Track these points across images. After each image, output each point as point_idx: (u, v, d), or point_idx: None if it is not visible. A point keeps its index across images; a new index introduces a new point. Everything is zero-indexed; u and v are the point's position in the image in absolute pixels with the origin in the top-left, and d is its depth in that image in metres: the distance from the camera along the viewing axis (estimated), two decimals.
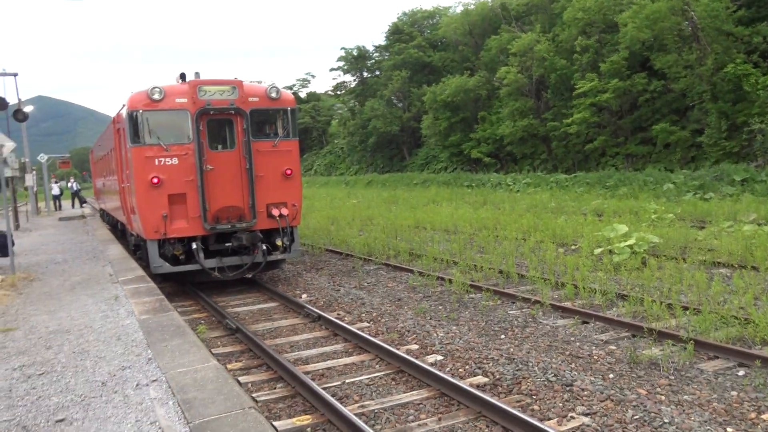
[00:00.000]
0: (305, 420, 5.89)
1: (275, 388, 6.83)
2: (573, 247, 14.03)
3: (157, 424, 4.21)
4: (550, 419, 5.65)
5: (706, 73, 25.01)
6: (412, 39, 49.05)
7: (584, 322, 8.61)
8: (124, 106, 11.95)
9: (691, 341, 7.14)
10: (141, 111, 11.05)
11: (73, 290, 9.72)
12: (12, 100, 13.87)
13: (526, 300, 9.77)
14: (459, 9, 46.58)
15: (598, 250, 12.64)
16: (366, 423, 5.72)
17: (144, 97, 11.14)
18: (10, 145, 11.81)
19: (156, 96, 11.07)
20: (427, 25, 52.18)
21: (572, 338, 7.95)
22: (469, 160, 40.04)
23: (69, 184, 46.22)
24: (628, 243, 12.23)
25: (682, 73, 26.10)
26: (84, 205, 42.34)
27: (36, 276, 11.36)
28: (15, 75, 10.87)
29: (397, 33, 51.12)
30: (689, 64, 25.78)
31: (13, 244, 13.17)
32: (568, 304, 9.37)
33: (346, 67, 57.25)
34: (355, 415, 5.81)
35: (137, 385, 5.04)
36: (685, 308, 8.54)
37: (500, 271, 11.75)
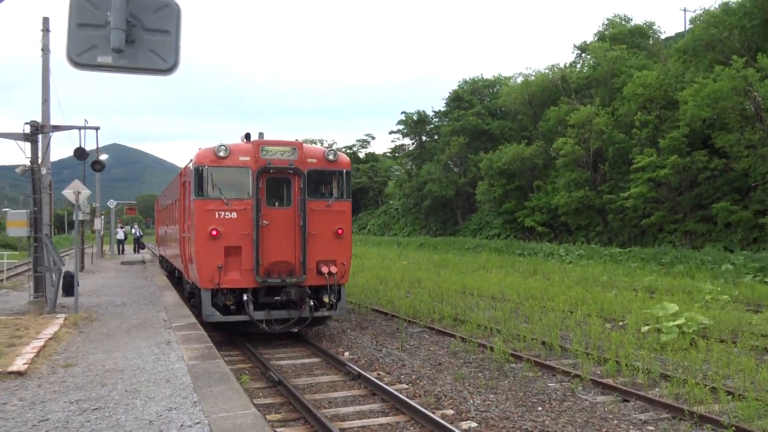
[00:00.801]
0: None
1: None
2: (620, 323, 13.83)
3: None
4: None
5: None
6: (471, 106, 50.04)
7: (624, 401, 8.50)
8: (191, 160, 12.77)
9: (733, 427, 7.00)
10: (207, 166, 11.79)
11: (129, 332, 10.25)
12: (86, 148, 14.98)
13: (566, 373, 9.71)
14: (519, 79, 47.44)
15: (645, 328, 12.44)
16: None
17: (211, 153, 11.90)
18: (85, 192, 12.75)
19: (222, 153, 11.80)
20: (487, 93, 53.21)
21: (610, 416, 7.87)
22: (523, 228, 39.93)
23: (133, 230, 48.23)
24: (677, 322, 12.01)
25: (744, 153, 25.72)
26: (142, 250, 43.97)
27: (96, 316, 12.02)
28: (97, 128, 11.84)
29: (457, 100, 52.29)
30: (752, 144, 25.43)
31: (77, 284, 13.98)
32: (609, 381, 9.27)
33: (405, 131, 58.64)
34: None
35: (181, 425, 5.38)
36: (730, 393, 8.34)
37: (543, 343, 11.70)
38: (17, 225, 11.96)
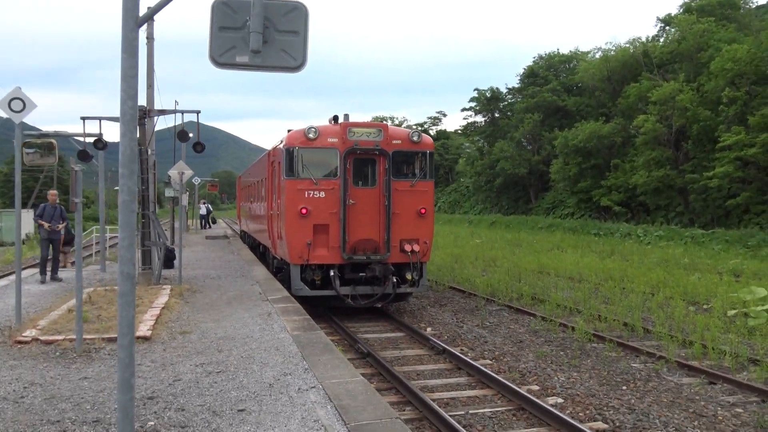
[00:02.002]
0: None
1: (404, 411, 7.49)
2: (705, 306, 13.65)
3: (320, 422, 5.04)
4: None
5: None
6: (546, 82, 49.07)
7: (711, 383, 8.56)
8: (282, 141, 13.39)
9: None
10: (297, 147, 12.37)
11: (230, 304, 11.03)
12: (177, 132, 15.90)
13: (650, 354, 9.80)
14: (598, 54, 46.10)
15: (731, 312, 12.27)
16: None
17: (301, 135, 12.47)
18: (189, 172, 13.63)
19: (311, 135, 12.35)
20: (563, 69, 51.97)
21: (697, 397, 7.97)
22: (598, 208, 39.15)
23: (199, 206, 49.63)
24: (766, 307, 11.80)
25: None
26: (214, 224, 45.16)
27: (197, 288, 12.92)
28: (198, 112, 12.59)
29: (532, 76, 51.36)
30: None
31: (174, 258, 14.99)
32: (695, 363, 9.30)
33: (477, 108, 58.07)
34: None
35: (299, 389, 5.94)
36: None
37: (625, 324, 11.75)
38: None
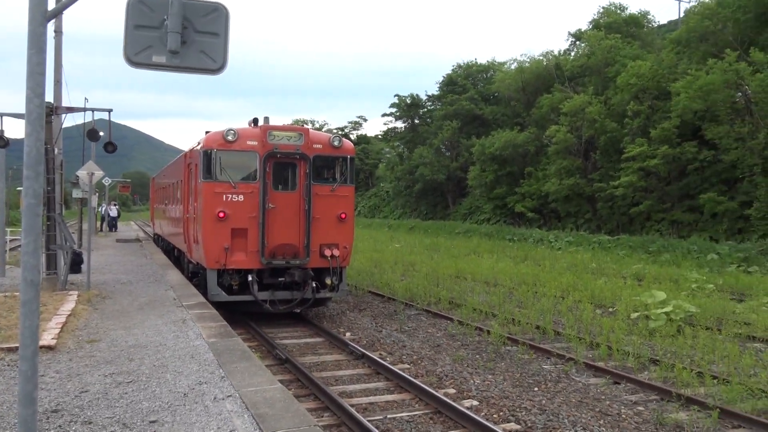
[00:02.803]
0: None
1: (322, 417, 7.46)
2: (610, 309, 14.38)
3: (236, 431, 4.94)
4: None
5: (757, 147, 25.17)
6: (465, 91, 50.27)
7: (615, 383, 9.02)
8: (199, 143, 13.04)
9: (717, 409, 7.52)
10: (215, 150, 12.09)
11: (142, 310, 10.62)
12: (86, 132, 15.19)
13: (560, 356, 10.22)
14: (514, 65, 47.70)
15: (634, 315, 12.99)
16: None
17: (219, 137, 12.20)
18: (99, 173, 13.02)
19: (230, 137, 12.11)
20: (481, 78, 53.43)
21: (603, 396, 8.38)
22: (513, 214, 40.48)
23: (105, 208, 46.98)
24: (665, 310, 12.56)
25: (734, 145, 26.28)
26: (114, 229, 42.72)
27: (107, 294, 12.35)
28: (110, 111, 12.06)
29: (450, 84, 52.49)
30: (741, 136, 25.98)
31: (82, 262, 14.29)
32: (601, 364, 9.79)
33: (398, 114, 58.75)
34: None
35: (215, 398, 5.79)
36: (715, 377, 8.88)
37: (537, 327, 12.20)
38: None
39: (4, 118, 12.04)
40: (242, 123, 13.06)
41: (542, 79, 42.01)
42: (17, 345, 7.35)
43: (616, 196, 31.41)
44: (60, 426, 5.09)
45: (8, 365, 6.96)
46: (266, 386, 6.10)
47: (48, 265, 12.96)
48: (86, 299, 11.41)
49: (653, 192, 30.34)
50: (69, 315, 9.57)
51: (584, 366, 9.74)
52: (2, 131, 12.74)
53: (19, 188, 21.29)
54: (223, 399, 5.74)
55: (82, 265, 14.06)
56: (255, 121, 12.79)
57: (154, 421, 5.19)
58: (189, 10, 4.57)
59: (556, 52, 44.49)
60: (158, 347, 7.83)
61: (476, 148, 41.87)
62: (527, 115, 42.32)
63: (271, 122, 12.87)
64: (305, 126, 79.73)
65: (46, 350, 7.34)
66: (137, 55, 4.53)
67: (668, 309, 12.56)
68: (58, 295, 11.68)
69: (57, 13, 4.30)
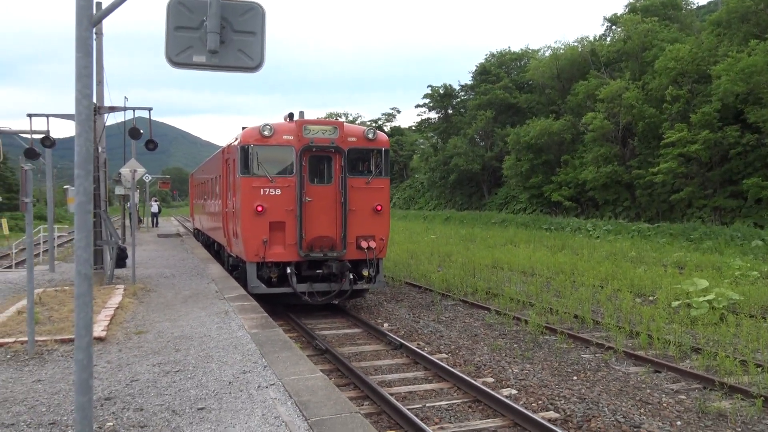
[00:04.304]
0: None
1: (362, 405, 7.59)
2: (650, 298, 14.19)
3: (280, 418, 5.09)
4: None
5: None
6: (498, 80, 49.83)
7: (656, 371, 8.94)
8: (236, 139, 13.29)
9: (761, 397, 7.41)
10: (252, 145, 12.30)
11: (185, 302, 10.92)
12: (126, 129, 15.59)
13: (599, 345, 10.16)
14: (548, 53, 47.07)
15: (675, 303, 12.80)
16: None
17: (256, 132, 12.40)
18: (141, 170, 13.38)
19: (266, 132, 12.30)
20: (515, 66, 52.90)
21: (643, 385, 8.32)
22: (549, 203, 40.07)
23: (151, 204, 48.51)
24: (707, 298, 12.35)
25: None
26: (156, 225, 43.97)
27: (151, 287, 12.72)
28: (150, 109, 12.38)
29: (484, 73, 52.07)
30: None
31: (127, 257, 14.71)
32: (641, 353, 9.70)
33: (431, 104, 58.59)
34: None
35: (258, 386, 5.97)
36: (759, 366, 8.72)
37: (575, 316, 12.13)
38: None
39: (49, 119, 12.46)
40: (278, 118, 13.25)
41: (577, 65, 41.40)
42: (70, 337, 7.68)
43: (656, 183, 30.83)
44: (113, 413, 5.33)
45: (62, 356, 7.27)
46: (308, 375, 6.26)
47: (95, 260, 13.40)
48: (132, 293, 11.78)
49: (694, 178, 29.68)
50: (117, 308, 9.92)
51: (624, 355, 9.67)
52: (48, 132, 13.17)
53: (65, 186, 21.95)
54: (267, 387, 5.92)
55: (127, 260, 14.48)
56: (290, 115, 12.96)
57: (201, 408, 5.39)
58: (227, 10, 4.70)
59: (591, 38, 43.80)
60: (203, 338, 8.08)
61: (511, 137, 41.53)
62: (562, 102, 41.77)
63: (306, 116, 13.02)
64: (338, 119, 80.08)
65: (96, 342, 7.64)
66: (178, 55, 4.68)
67: (710, 297, 12.35)
68: (106, 288, 12.08)
69: (102, 17, 4.47)
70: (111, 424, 5.04)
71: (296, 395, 5.63)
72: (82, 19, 4.22)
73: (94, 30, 13.57)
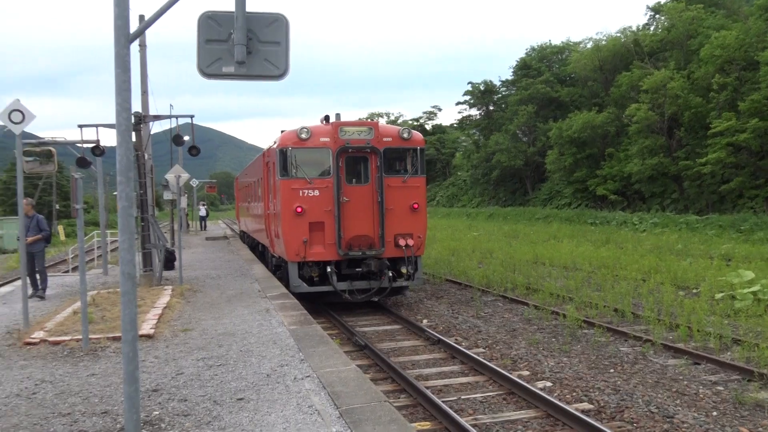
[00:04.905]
0: (425, 426, 6.82)
1: (399, 398, 7.81)
2: (694, 290, 13.97)
3: (314, 407, 5.37)
4: None
5: None
6: (539, 74, 49.33)
7: (695, 363, 8.87)
8: (275, 142, 13.68)
9: None
10: (290, 148, 12.66)
11: (230, 302, 11.35)
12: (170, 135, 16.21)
13: (638, 338, 10.12)
14: (589, 44, 46.36)
15: (719, 295, 12.59)
16: None
17: (293, 136, 12.76)
18: (185, 176, 13.92)
19: (303, 135, 12.64)
20: (556, 60, 52.24)
21: (681, 377, 8.29)
22: (594, 197, 39.48)
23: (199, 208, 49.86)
24: (752, 289, 12.12)
25: None
26: (203, 228, 45.44)
27: (198, 288, 13.23)
28: (192, 116, 12.89)
29: (524, 68, 51.62)
30: None
31: (175, 259, 15.31)
32: (680, 345, 9.62)
33: (472, 101, 58.37)
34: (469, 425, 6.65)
35: (294, 378, 6.28)
36: None
37: (615, 310, 12.07)
38: None
39: (99, 129, 13.09)
40: (318, 119, 13.60)
41: (620, 56, 40.65)
42: (120, 334, 8.14)
43: (704, 174, 30.09)
44: (160, 403, 5.70)
45: (113, 352, 7.73)
46: (341, 367, 6.52)
47: (144, 263, 14.01)
48: (179, 293, 12.30)
49: (744, 168, 28.84)
50: (165, 307, 10.41)
51: (662, 347, 9.61)
52: (98, 141, 13.82)
53: (115, 193, 22.91)
54: (302, 379, 6.21)
55: (175, 262, 15.06)
56: (326, 118, 13.27)
57: (241, 399, 5.72)
58: (252, 22, 4.98)
59: (634, 28, 42.91)
60: (244, 334, 8.45)
61: (553, 131, 41.09)
62: (605, 95, 41.10)
63: (347, 117, 13.33)
64: (379, 119, 79.97)
65: (146, 339, 8.09)
66: (209, 66, 5.00)
67: (756, 288, 12.11)
68: (155, 290, 12.64)
69: (138, 35, 4.81)
70: (157, 413, 5.40)
71: (329, 386, 5.90)
72: (119, 38, 4.57)
73: (138, 42, 14.14)
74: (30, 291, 12.14)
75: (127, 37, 4.56)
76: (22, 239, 9.88)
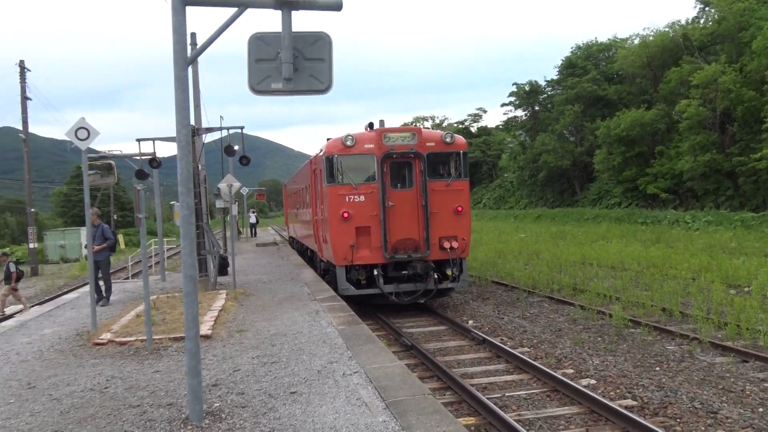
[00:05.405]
0: (470, 420, 7.06)
1: (444, 395, 8.07)
2: (746, 289, 13.74)
3: (361, 399, 5.71)
4: None
5: None
6: (585, 72, 48.67)
7: (743, 361, 8.83)
8: (321, 150, 14.13)
9: None
10: (336, 155, 13.08)
11: (281, 304, 11.82)
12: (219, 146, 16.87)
13: (685, 336, 10.10)
14: (637, 40, 45.53)
15: None
16: (522, 428, 6.75)
17: (339, 143, 13.18)
18: (237, 184, 14.52)
19: (348, 142, 13.04)
20: (602, 57, 51.45)
21: (727, 374, 8.28)
22: (645, 196, 38.74)
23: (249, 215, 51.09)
24: None
25: None
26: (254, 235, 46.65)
27: (250, 292, 13.78)
28: (242, 128, 13.47)
29: (570, 67, 51.02)
30: None
31: (228, 265, 15.91)
32: (728, 343, 9.57)
33: (517, 102, 57.99)
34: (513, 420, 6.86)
35: (343, 374, 6.64)
36: None
37: (663, 309, 12.02)
38: None
39: (155, 142, 13.79)
40: (363, 126, 13.98)
41: (669, 51, 39.79)
42: (181, 335, 8.67)
43: (760, 170, 29.22)
44: (219, 396, 6.14)
45: (175, 351, 8.25)
46: (387, 364, 6.85)
47: (199, 269, 14.63)
48: (233, 297, 12.86)
49: None
50: (220, 310, 10.95)
51: (710, 345, 9.58)
52: (154, 153, 14.53)
53: (171, 202, 23.82)
54: (351, 374, 6.56)
55: (228, 268, 15.66)
56: (371, 125, 13.64)
57: (294, 392, 6.11)
58: (298, 41, 5.38)
59: (683, 22, 41.95)
60: (295, 334, 8.87)
61: (601, 130, 40.51)
62: (654, 91, 40.32)
63: (392, 122, 13.71)
64: (424, 123, 79.94)
65: (204, 339, 8.58)
66: (259, 84, 5.41)
67: None
68: (210, 294, 13.23)
69: (195, 58, 5.26)
70: (217, 404, 5.84)
71: (376, 381, 6.23)
72: (178, 60, 5.02)
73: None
74: (103, 297, 12.89)
75: (185, 60, 5.01)
76: (90, 248, 10.57)
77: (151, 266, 22.89)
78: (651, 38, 42.16)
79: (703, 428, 6.53)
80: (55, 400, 6.26)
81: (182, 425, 5.29)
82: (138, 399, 6.14)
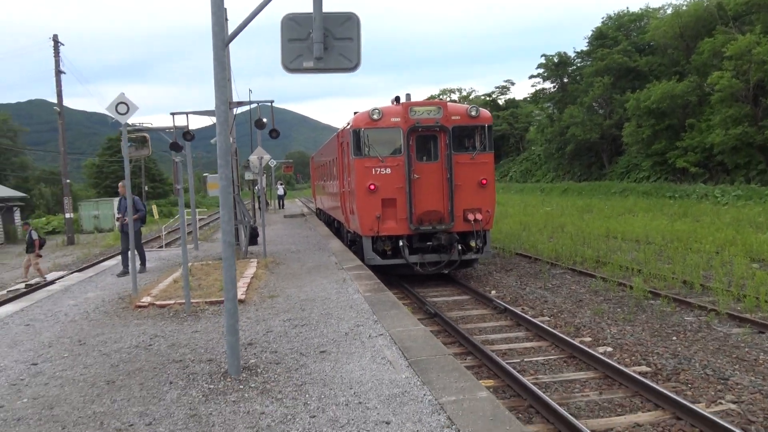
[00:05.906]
0: (489, 383, 7.44)
1: (465, 360, 8.46)
2: None
3: (386, 359, 6.14)
4: (699, 402, 6.57)
5: None
6: (616, 43, 47.85)
7: (760, 332, 9.04)
8: (349, 123, 14.44)
9: None
10: (363, 129, 13.39)
11: (309, 273, 12.30)
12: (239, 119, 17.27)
13: (703, 308, 10.31)
14: (669, 10, 44.58)
15: None
16: (538, 390, 7.12)
17: (366, 117, 13.47)
18: (267, 157, 14.94)
19: (375, 116, 13.32)
20: (634, 28, 50.48)
21: (742, 344, 8.52)
22: (674, 170, 38.31)
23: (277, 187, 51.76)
24: None
25: None
26: (282, 207, 47.47)
27: (280, 260, 14.30)
28: (271, 102, 13.83)
29: (600, 38, 50.17)
30: None
31: (258, 235, 16.43)
32: (746, 315, 9.77)
33: (546, 74, 57.30)
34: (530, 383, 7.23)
35: (369, 336, 7.07)
36: None
37: (684, 282, 12.20)
38: (215, 187, 14.43)
39: (189, 116, 14.22)
40: (390, 99, 14.25)
41: (702, 21, 38.91)
42: (216, 299, 9.19)
43: None
44: (255, 354, 6.62)
45: (212, 314, 8.77)
46: (411, 327, 7.26)
47: None
48: (264, 265, 13.38)
49: None
50: (252, 277, 11.46)
51: (727, 317, 9.79)
52: (187, 126, 14.96)
53: (204, 173, 24.43)
54: (376, 336, 6.99)
55: (259, 238, 16.19)
56: (397, 99, 13.89)
57: (323, 351, 6.56)
58: (328, 21, 5.68)
59: None
60: (324, 300, 9.34)
61: (630, 102, 39.97)
62: (686, 62, 39.56)
63: (419, 94, 14.05)
64: (451, 96, 79.18)
65: (238, 303, 9.07)
66: (292, 62, 5.74)
67: None
68: (242, 262, 13.75)
69: (232, 38, 5.60)
70: (253, 361, 6.31)
71: (400, 342, 6.65)
72: (217, 41, 5.37)
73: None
74: (138, 265, 13.09)
75: (224, 41, 5.36)
76: (130, 218, 11.13)
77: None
78: (684, 8, 41.26)
79: (713, 393, 6.81)
80: (105, 355, 6.81)
81: (222, 378, 5.77)
82: (180, 355, 6.66)
